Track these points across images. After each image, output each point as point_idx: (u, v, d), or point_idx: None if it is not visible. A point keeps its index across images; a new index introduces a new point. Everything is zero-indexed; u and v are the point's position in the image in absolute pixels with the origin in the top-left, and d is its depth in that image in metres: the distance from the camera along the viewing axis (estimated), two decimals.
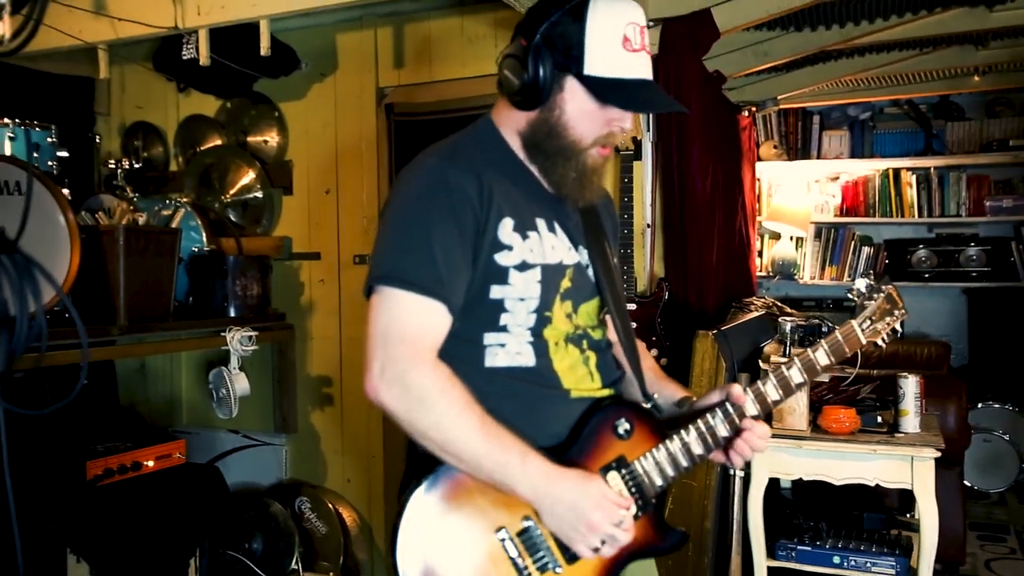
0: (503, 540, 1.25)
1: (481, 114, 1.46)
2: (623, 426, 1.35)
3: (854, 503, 2.86)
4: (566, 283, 1.37)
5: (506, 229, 1.31)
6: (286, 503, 3.52)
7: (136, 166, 3.33)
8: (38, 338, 1.21)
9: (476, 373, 1.27)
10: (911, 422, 2.43)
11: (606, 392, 1.41)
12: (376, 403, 1.24)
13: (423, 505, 1.22)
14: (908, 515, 2.75)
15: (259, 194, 3.65)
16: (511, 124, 1.38)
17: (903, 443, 2.37)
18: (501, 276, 1.30)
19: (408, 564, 1.21)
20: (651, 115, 3.00)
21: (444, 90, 3.22)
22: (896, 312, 1.48)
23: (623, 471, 1.33)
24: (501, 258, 1.30)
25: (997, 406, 4.37)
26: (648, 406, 1.42)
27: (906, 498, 2.88)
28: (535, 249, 1.33)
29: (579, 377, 1.38)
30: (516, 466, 1.22)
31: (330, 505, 3.56)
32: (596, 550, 1.26)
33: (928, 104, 4.91)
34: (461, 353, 1.27)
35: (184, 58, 3.12)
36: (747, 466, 2.48)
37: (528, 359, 1.33)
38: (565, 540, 1.27)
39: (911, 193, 4.82)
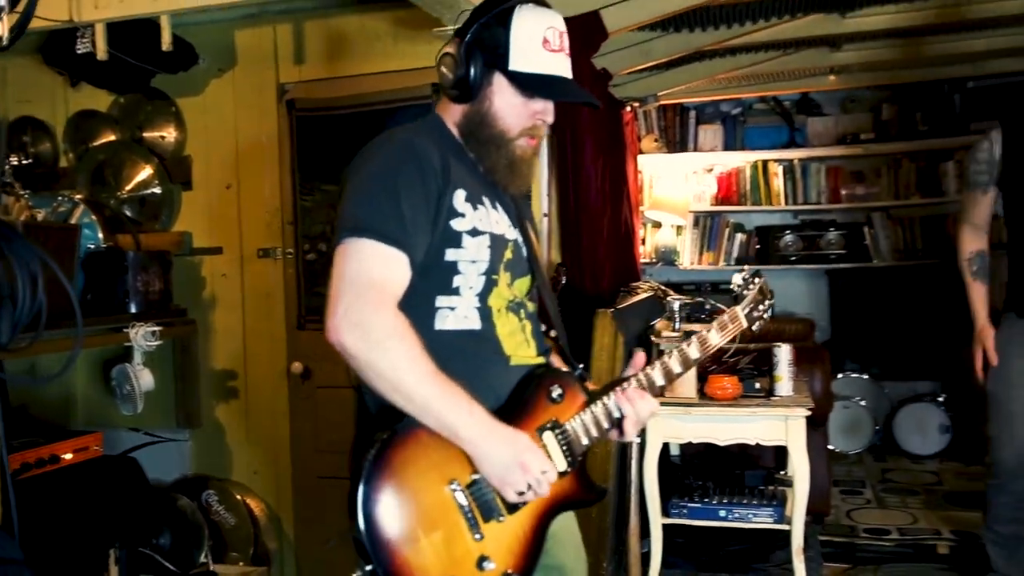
0: (454, 491, 1.39)
1: (383, 110, 1.62)
2: (556, 391, 1.52)
3: (736, 464, 3.15)
4: (508, 254, 1.54)
5: (460, 199, 1.46)
6: (193, 497, 3.53)
7: (25, 162, 3.26)
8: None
9: (426, 334, 1.39)
10: (785, 387, 2.72)
11: (540, 360, 1.59)
12: (336, 344, 1.34)
13: (380, 461, 1.34)
14: (782, 472, 3.05)
15: (157, 190, 3.64)
16: (451, 116, 1.55)
17: (778, 405, 2.66)
18: (455, 240, 1.45)
19: (367, 516, 1.31)
20: None
21: (346, 86, 3.31)
22: (766, 302, 1.75)
23: (556, 431, 1.50)
24: (456, 224, 1.45)
25: (855, 376, 4.82)
26: (576, 374, 1.60)
27: (780, 458, 3.19)
28: (483, 219, 1.49)
29: (517, 343, 1.54)
30: (463, 411, 1.36)
31: (238, 497, 3.59)
32: (521, 494, 1.40)
33: (791, 101, 5.33)
34: (413, 315, 1.39)
35: (79, 52, 3.09)
36: (642, 432, 2.72)
37: (475, 323, 1.49)
38: (496, 484, 1.40)
39: (778, 183, 5.23)
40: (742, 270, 1.79)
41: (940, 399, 4.65)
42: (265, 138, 3.51)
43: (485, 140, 1.51)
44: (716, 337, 1.68)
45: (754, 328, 1.73)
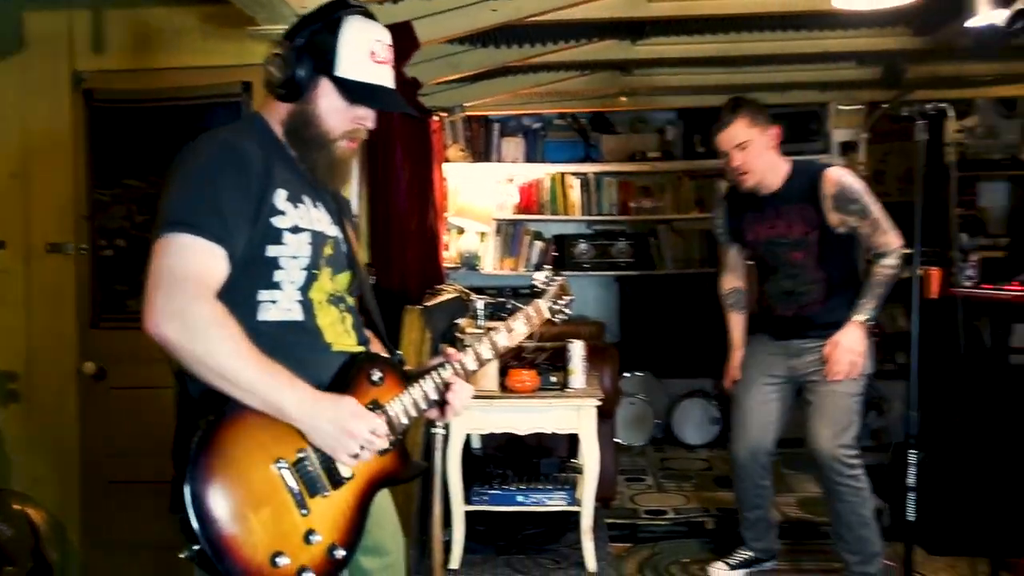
0: (280, 469, 1.45)
1: (190, 106, 1.67)
2: (376, 374, 1.63)
3: (533, 454, 3.37)
4: (328, 250, 1.63)
5: (281, 198, 1.53)
6: None
7: None
8: None
9: (248, 325, 1.45)
10: (578, 379, 2.96)
11: (360, 348, 1.68)
12: (156, 335, 1.38)
13: (206, 444, 1.38)
14: (574, 460, 3.30)
15: None
16: (276, 115, 1.61)
17: (572, 396, 2.90)
18: (276, 237, 1.52)
19: (194, 497, 1.35)
20: None
21: (150, 79, 3.21)
22: (566, 297, 1.95)
23: (378, 412, 1.60)
24: (277, 221, 1.52)
25: (640, 375, 5.23)
26: (395, 360, 1.71)
27: (572, 449, 3.45)
28: (304, 217, 1.57)
29: (338, 333, 1.63)
30: (286, 388, 1.43)
31: (16, 507, 3.37)
32: (356, 456, 1.49)
33: (587, 118, 5.70)
34: (235, 308, 1.44)
35: None
36: (446, 425, 2.86)
37: (297, 314, 1.56)
38: (329, 451, 1.48)
39: (574, 194, 5.58)
40: (543, 270, 1.99)
41: (712, 394, 5.13)
42: (58, 127, 3.33)
43: (308, 139, 1.59)
44: (522, 326, 1.85)
45: (555, 320, 1.93)
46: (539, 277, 1.95)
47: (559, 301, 1.93)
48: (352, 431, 1.48)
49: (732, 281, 3.13)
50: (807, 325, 2.88)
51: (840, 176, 2.80)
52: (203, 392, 1.45)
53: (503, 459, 3.27)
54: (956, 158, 5.73)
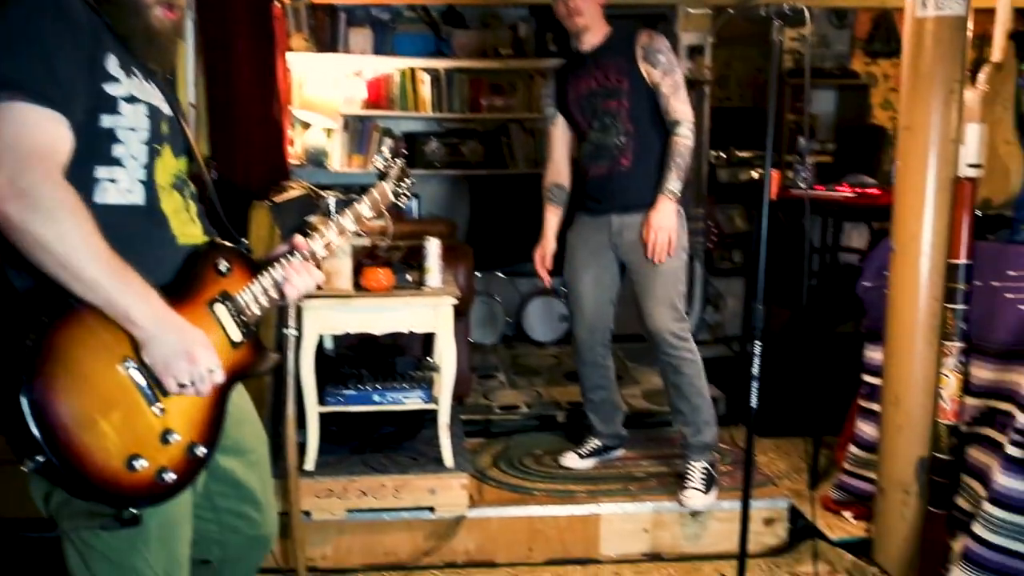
0: (128, 369, 1.34)
1: None
2: (223, 265, 1.52)
3: (389, 354, 3.33)
4: (165, 128, 1.47)
5: (113, 63, 1.37)
6: None
7: None
8: None
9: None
10: (434, 278, 2.91)
11: (206, 239, 1.55)
12: None
13: (43, 345, 1.25)
14: (429, 359, 3.29)
15: None
16: None
17: (429, 295, 2.85)
18: (111, 105, 1.36)
19: (32, 405, 1.22)
20: None
21: None
22: (407, 180, 1.92)
23: (227, 303, 1.51)
24: (110, 88, 1.36)
25: (492, 274, 5.26)
26: (242, 249, 1.60)
27: (428, 348, 3.43)
28: (139, 88, 1.41)
29: (183, 222, 1.50)
30: (137, 294, 1.31)
31: None
32: (182, 388, 1.38)
33: (439, 11, 5.50)
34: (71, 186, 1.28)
35: None
36: (299, 326, 2.76)
37: (138, 198, 1.41)
38: (160, 371, 1.36)
39: (425, 90, 5.41)
40: (382, 152, 1.95)
41: (560, 293, 5.24)
42: None
43: (120, 2, 1.41)
44: (367, 210, 1.81)
45: (399, 203, 1.89)
46: (379, 159, 1.92)
47: (401, 184, 1.90)
48: (195, 356, 1.38)
49: (554, 175, 3.22)
50: (621, 193, 2.98)
51: (653, 32, 2.97)
52: (30, 288, 1.29)
53: (358, 359, 3.21)
54: (792, 65, 6.01)
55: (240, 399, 1.68)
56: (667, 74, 2.93)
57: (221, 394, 1.50)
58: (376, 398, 2.91)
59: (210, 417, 1.48)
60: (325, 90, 5.12)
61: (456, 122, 5.60)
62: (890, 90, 6.22)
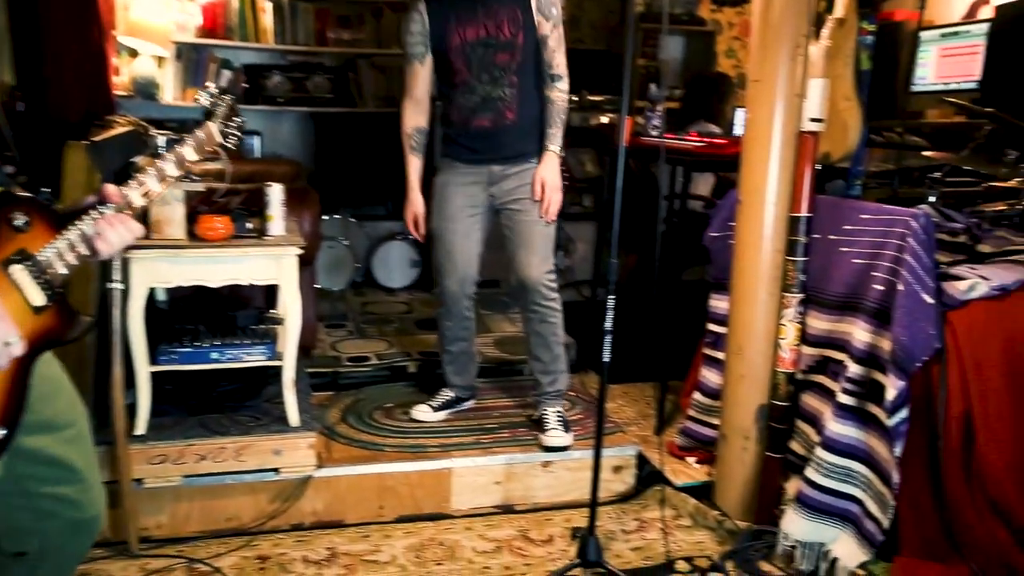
0: None
1: None
2: (20, 219, 1.33)
3: (228, 306, 3.12)
4: None
5: None
6: None
7: None
8: None
9: None
10: (277, 226, 2.73)
11: None
12: None
13: None
14: (273, 311, 3.11)
15: None
16: None
17: (271, 244, 2.67)
18: None
19: None
20: None
21: None
22: (236, 119, 1.76)
23: (27, 263, 1.33)
24: None
25: (339, 217, 5.05)
26: (42, 199, 1.40)
27: (271, 298, 3.24)
28: None
29: None
30: None
31: None
32: None
33: None
34: None
35: None
36: (125, 279, 2.52)
37: None
38: None
39: (267, 19, 5.07)
40: (208, 88, 1.78)
41: (409, 237, 5.10)
42: None
43: None
44: (192, 153, 1.65)
45: (228, 144, 1.74)
46: (204, 96, 1.74)
47: (230, 123, 1.74)
48: None
49: (417, 118, 3.03)
50: (504, 145, 2.92)
51: None
52: None
53: (193, 313, 2.99)
54: (642, 9, 6.03)
55: (49, 370, 1.50)
56: (556, 26, 2.87)
57: (22, 368, 1.33)
58: (214, 355, 2.72)
59: (10, 395, 1.32)
60: (155, 14, 4.69)
61: (301, 55, 5.29)
62: (733, 39, 6.36)
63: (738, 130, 4.60)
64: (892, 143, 4.61)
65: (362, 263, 5.06)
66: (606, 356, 2.35)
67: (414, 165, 3.05)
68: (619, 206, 2.32)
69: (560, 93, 2.91)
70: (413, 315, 4.48)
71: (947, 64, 5.84)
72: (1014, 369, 2.15)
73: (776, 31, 2.61)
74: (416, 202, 3.04)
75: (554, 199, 2.90)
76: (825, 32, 2.77)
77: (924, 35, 5.57)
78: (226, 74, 5.09)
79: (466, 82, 2.89)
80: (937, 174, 3.43)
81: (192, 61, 5.01)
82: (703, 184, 4.52)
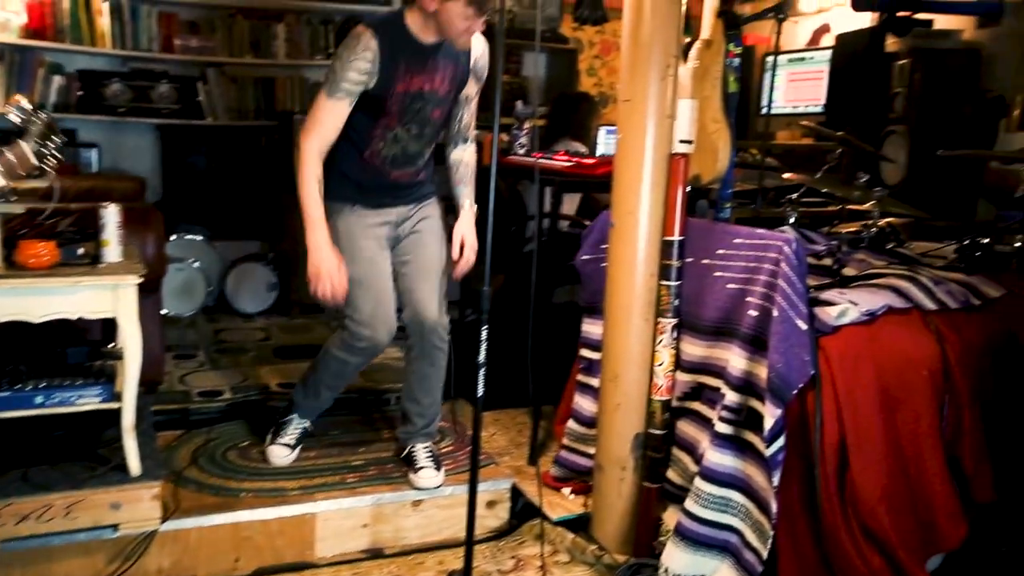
0: None
1: None
2: None
3: (56, 341, 2.79)
4: None
5: None
6: None
7: None
8: None
9: None
10: (113, 252, 2.45)
11: None
12: None
13: None
14: (111, 345, 2.81)
15: None
16: None
17: (106, 273, 2.39)
18: None
19: None
20: None
21: None
22: (55, 138, 1.52)
23: None
24: None
25: (189, 237, 4.71)
26: None
27: (109, 329, 2.93)
28: None
29: None
30: None
31: None
32: None
33: None
34: None
35: None
36: None
37: None
38: None
39: (103, 22, 4.67)
40: (17, 100, 1.53)
41: (268, 258, 4.84)
42: None
43: None
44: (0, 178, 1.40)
45: (46, 166, 1.50)
46: (15, 112, 1.49)
47: (48, 143, 1.50)
48: None
49: (320, 162, 2.62)
50: (412, 192, 2.81)
51: (485, 43, 2.72)
52: None
53: (13, 351, 2.64)
54: (506, 26, 5.99)
55: None
56: (479, 90, 2.78)
57: None
58: (39, 400, 2.40)
59: None
60: None
61: (144, 62, 4.91)
62: (595, 57, 6.42)
63: (602, 149, 4.61)
64: (748, 163, 4.75)
65: (215, 286, 4.73)
66: (480, 391, 2.22)
67: (322, 216, 2.60)
68: (491, 234, 2.20)
69: (473, 155, 2.84)
70: (271, 342, 4.22)
71: (795, 88, 6.11)
72: (884, 394, 2.17)
73: (646, 51, 2.56)
74: (330, 259, 2.60)
75: (471, 259, 2.78)
76: (693, 53, 2.77)
77: (773, 60, 5.80)
78: (56, 80, 4.65)
79: (392, 131, 2.67)
80: (794, 195, 3.52)
81: (16, 64, 4.55)
82: (568, 203, 4.49)
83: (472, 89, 2.76)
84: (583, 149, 4.35)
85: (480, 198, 2.75)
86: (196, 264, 4.60)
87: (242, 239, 4.97)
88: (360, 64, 2.52)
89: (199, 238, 4.74)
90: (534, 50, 6.11)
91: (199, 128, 4.99)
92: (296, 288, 4.70)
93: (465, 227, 2.78)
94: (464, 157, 2.82)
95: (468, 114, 2.80)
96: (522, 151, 3.86)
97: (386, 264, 2.78)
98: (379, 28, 2.55)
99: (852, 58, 5.20)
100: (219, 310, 4.73)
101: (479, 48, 2.69)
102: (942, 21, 4.84)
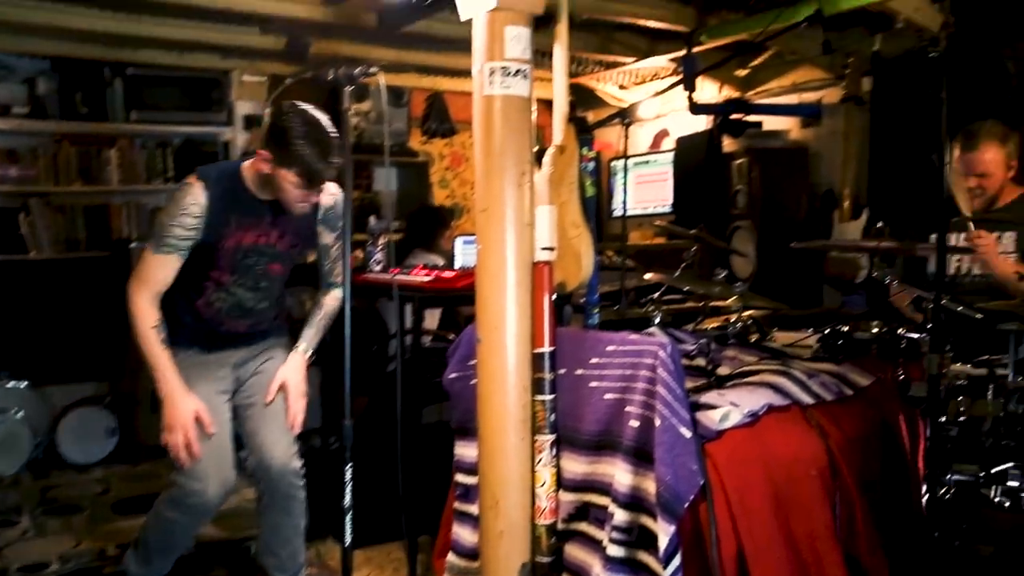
0: None
1: None
2: None
3: None
4: None
5: None
6: None
7: None
8: None
9: None
10: None
11: None
12: None
13: None
14: None
15: None
16: None
17: None
18: None
19: None
20: None
21: None
22: None
23: None
24: None
25: (12, 384, 4.25)
26: None
27: None
28: None
29: None
30: None
31: None
32: None
33: None
34: None
35: None
36: None
37: None
38: None
39: None
40: None
41: (106, 400, 4.42)
42: None
43: None
44: None
45: None
46: None
47: None
48: None
49: (155, 310, 2.47)
50: (252, 338, 2.67)
51: (338, 190, 2.61)
52: None
53: None
54: (354, 140, 5.92)
55: None
56: (338, 237, 2.64)
57: None
58: None
59: None
60: None
61: None
62: (446, 169, 6.43)
63: (460, 260, 4.54)
64: (607, 266, 4.79)
65: (43, 437, 4.24)
66: (347, 538, 1.99)
67: (171, 363, 2.45)
68: (350, 360, 2.02)
69: (335, 301, 2.73)
70: (111, 495, 3.78)
71: (642, 190, 6.32)
72: (776, 499, 2.08)
73: (499, 160, 2.49)
74: (184, 411, 2.41)
75: (300, 407, 2.62)
76: (547, 159, 2.73)
77: (621, 163, 5.99)
78: None
79: (224, 285, 2.53)
80: (655, 295, 3.52)
81: None
82: (430, 317, 4.35)
83: (328, 239, 2.66)
84: (441, 261, 4.26)
85: (337, 322, 2.62)
86: (19, 414, 4.13)
87: (74, 382, 4.55)
88: (186, 220, 2.39)
89: (22, 385, 4.27)
90: (384, 165, 6.06)
91: (21, 263, 4.58)
92: (141, 429, 4.29)
93: (290, 371, 2.63)
94: (324, 300, 2.74)
95: (330, 261, 2.70)
96: (378, 267, 3.70)
97: (223, 412, 2.58)
98: (211, 180, 2.43)
99: (693, 159, 5.43)
100: (49, 464, 4.24)
101: (329, 198, 2.60)
102: (771, 122, 5.14)
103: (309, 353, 2.69)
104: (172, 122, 4.98)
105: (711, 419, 2.14)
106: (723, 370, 2.55)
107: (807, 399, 2.35)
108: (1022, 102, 3.97)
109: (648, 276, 3.63)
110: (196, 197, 2.39)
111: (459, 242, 4.84)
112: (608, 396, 2.28)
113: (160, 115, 4.90)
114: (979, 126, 3.06)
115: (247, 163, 2.48)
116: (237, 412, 2.63)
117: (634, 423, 2.17)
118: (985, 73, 3.96)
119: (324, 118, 2.40)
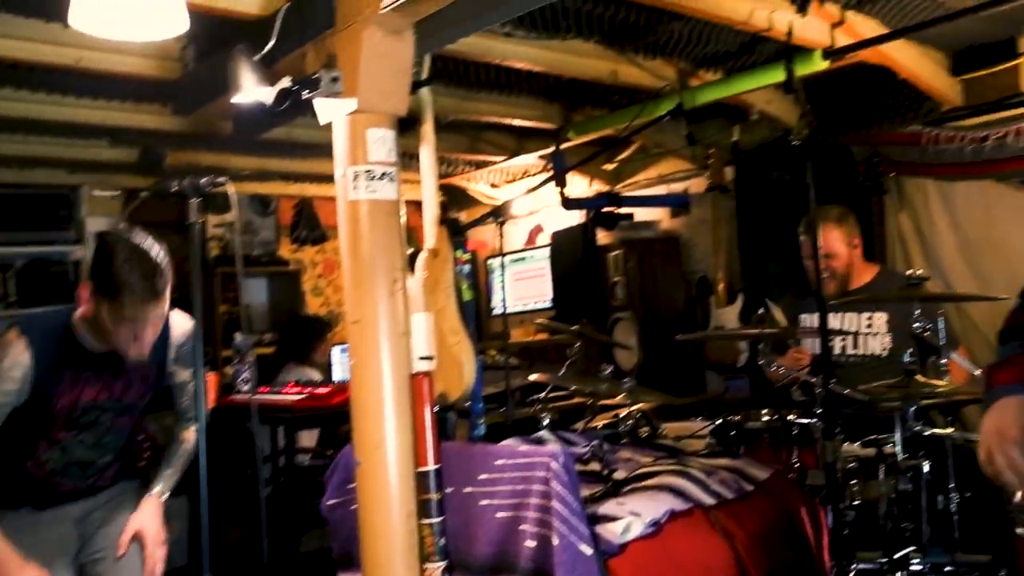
0: None
1: None
2: None
3: None
4: None
5: None
6: None
7: None
8: None
9: None
10: None
11: None
12: None
13: None
14: None
15: None
16: None
17: None
18: None
19: None
20: None
21: None
22: None
23: None
24: None
25: None
26: None
27: None
28: None
29: None
30: None
31: None
32: None
33: None
34: None
35: None
36: None
37: None
38: None
39: None
40: None
41: None
42: None
43: None
44: None
45: None
46: None
47: None
48: None
49: None
50: (95, 487, 2.37)
51: (190, 322, 2.32)
52: None
53: None
54: (218, 252, 5.64)
55: None
56: (191, 371, 2.37)
57: None
58: None
59: None
60: None
61: None
62: (319, 276, 6.23)
63: (338, 371, 4.31)
64: (490, 365, 4.66)
65: None
66: None
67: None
68: (206, 491, 1.79)
69: (193, 435, 2.44)
70: None
71: (521, 287, 6.28)
72: None
73: (369, 268, 2.34)
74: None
75: (159, 556, 2.32)
76: (420, 264, 2.61)
77: (498, 261, 5.95)
78: None
79: (59, 442, 2.23)
80: (541, 395, 3.40)
81: None
82: (307, 434, 4.09)
83: (184, 375, 2.42)
84: (317, 376, 4.03)
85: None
86: None
87: None
88: (5, 386, 2.09)
89: None
90: (252, 276, 5.81)
91: None
92: None
93: (144, 518, 2.33)
94: (184, 435, 2.47)
95: (186, 397, 2.45)
96: (246, 387, 3.45)
97: (63, 574, 2.27)
98: (36, 335, 2.13)
99: (569, 253, 5.44)
100: None
101: (179, 333, 2.37)
102: (642, 213, 5.22)
103: (165, 496, 2.40)
104: (15, 243, 4.61)
105: (612, 532, 2.00)
106: (619, 474, 2.43)
107: (708, 500, 2.25)
108: (868, 187, 4.17)
109: (533, 377, 3.52)
110: (17, 357, 2.09)
111: (336, 351, 4.62)
112: (500, 515, 2.10)
113: (1, 235, 4.54)
114: (815, 210, 3.16)
115: (77, 312, 2.19)
116: (86, 570, 2.30)
117: (530, 543, 2.00)
118: (834, 160, 4.15)
119: (149, 241, 2.16)
